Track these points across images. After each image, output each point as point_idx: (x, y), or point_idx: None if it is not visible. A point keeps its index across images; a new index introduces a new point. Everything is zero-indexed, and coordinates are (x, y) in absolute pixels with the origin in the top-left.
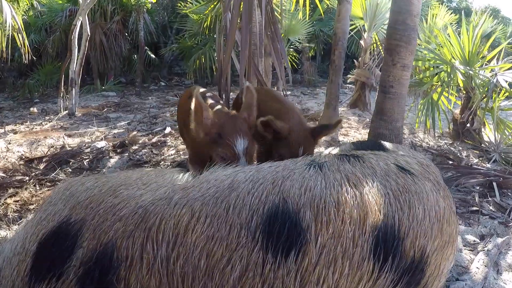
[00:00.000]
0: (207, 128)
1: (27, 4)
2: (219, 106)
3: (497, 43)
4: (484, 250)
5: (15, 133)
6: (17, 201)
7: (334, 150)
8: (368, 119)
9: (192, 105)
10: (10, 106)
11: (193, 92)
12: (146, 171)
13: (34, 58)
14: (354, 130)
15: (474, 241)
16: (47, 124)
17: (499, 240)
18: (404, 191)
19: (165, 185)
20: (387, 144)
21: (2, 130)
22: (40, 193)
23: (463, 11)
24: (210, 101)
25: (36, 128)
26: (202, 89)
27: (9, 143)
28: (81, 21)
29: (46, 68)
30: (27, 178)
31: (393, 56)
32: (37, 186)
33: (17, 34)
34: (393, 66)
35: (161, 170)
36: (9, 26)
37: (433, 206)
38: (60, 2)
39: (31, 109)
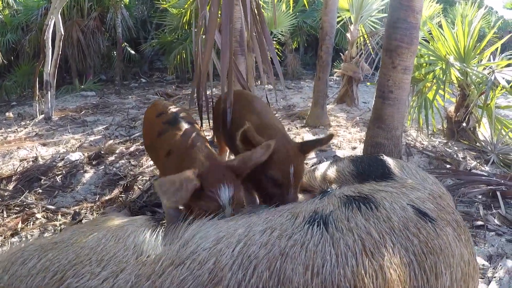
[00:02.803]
0: (191, 189)
1: (1, 3)
2: (193, 138)
3: (482, 33)
4: (495, 278)
5: None
6: None
7: (331, 170)
8: (357, 117)
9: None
10: None
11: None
12: (103, 232)
13: (12, 58)
14: (343, 129)
15: (483, 265)
16: (22, 131)
17: (509, 263)
18: (429, 252)
19: (127, 264)
20: (391, 163)
21: None
22: (8, 222)
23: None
24: (181, 124)
25: (10, 137)
26: (167, 104)
27: None
28: (54, 20)
29: (23, 69)
30: None
31: (393, 58)
32: (4, 212)
33: None
34: (393, 69)
35: (123, 229)
36: None
37: (459, 263)
38: (36, 0)
39: (7, 113)
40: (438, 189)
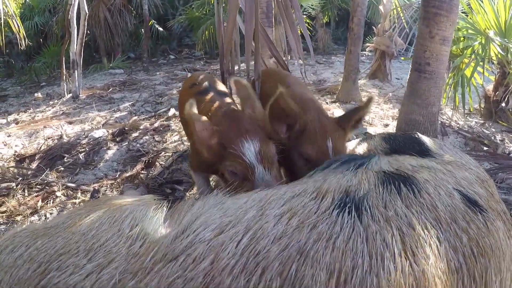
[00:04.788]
0: (206, 143)
1: None
2: (219, 103)
3: None
4: None
5: (17, 123)
6: (4, 212)
7: (361, 147)
8: (390, 93)
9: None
10: (16, 92)
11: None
12: (99, 214)
13: (40, 40)
14: (375, 106)
15: None
16: (49, 110)
17: None
18: (479, 254)
19: (117, 254)
20: (427, 141)
21: (5, 121)
22: (29, 200)
23: None
24: (211, 94)
25: (38, 116)
26: (202, 76)
27: (9, 136)
28: (78, 0)
29: (52, 50)
30: (14, 184)
31: (431, 27)
32: (25, 191)
33: (11, 20)
34: (431, 39)
35: (121, 210)
36: (0, 13)
37: (509, 267)
38: None
39: (36, 94)
40: (483, 173)
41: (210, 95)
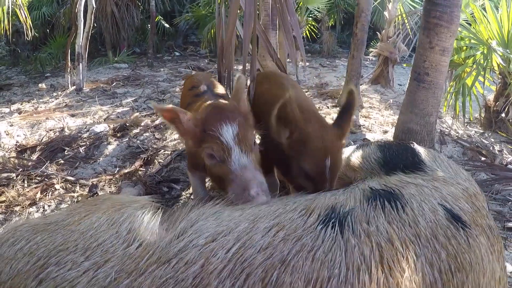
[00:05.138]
0: (190, 132)
1: None
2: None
3: None
4: None
5: (20, 112)
6: (3, 201)
7: (356, 155)
8: (391, 99)
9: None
10: (21, 82)
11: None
12: (98, 215)
13: (47, 31)
14: (376, 111)
15: None
16: (53, 102)
17: None
18: (457, 270)
19: (113, 255)
20: (422, 152)
21: (8, 110)
22: (28, 191)
23: None
24: (207, 96)
25: (41, 107)
26: (201, 78)
27: (11, 125)
28: None
29: (58, 41)
30: (14, 175)
31: (431, 38)
32: (25, 182)
33: (19, 10)
34: (431, 49)
35: (119, 212)
36: (8, 2)
37: (489, 283)
38: None
39: (40, 85)
40: (472, 187)
41: (206, 97)
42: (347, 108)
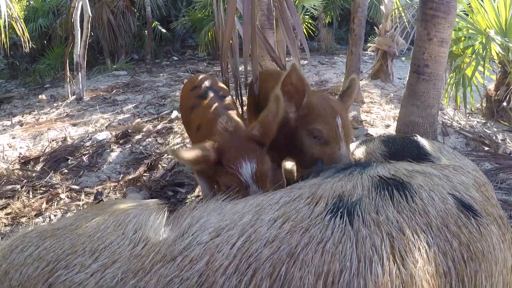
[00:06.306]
0: (208, 162)
1: None
2: (219, 111)
3: None
4: None
5: (21, 125)
6: (9, 213)
7: (360, 151)
8: (392, 94)
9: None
10: (21, 94)
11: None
12: (104, 217)
13: (45, 42)
14: (377, 106)
15: None
16: (54, 112)
17: None
18: (470, 258)
19: (120, 256)
20: (426, 144)
21: (9, 123)
22: (33, 202)
23: None
24: (210, 97)
25: (42, 118)
26: (202, 78)
27: (14, 138)
28: (81, 2)
29: (56, 51)
30: (19, 186)
31: (429, 29)
32: (30, 193)
33: (15, 23)
34: (429, 41)
35: (125, 213)
36: (4, 15)
37: (501, 272)
38: None
39: (40, 96)
40: (481, 177)
41: (210, 99)
42: (349, 88)
